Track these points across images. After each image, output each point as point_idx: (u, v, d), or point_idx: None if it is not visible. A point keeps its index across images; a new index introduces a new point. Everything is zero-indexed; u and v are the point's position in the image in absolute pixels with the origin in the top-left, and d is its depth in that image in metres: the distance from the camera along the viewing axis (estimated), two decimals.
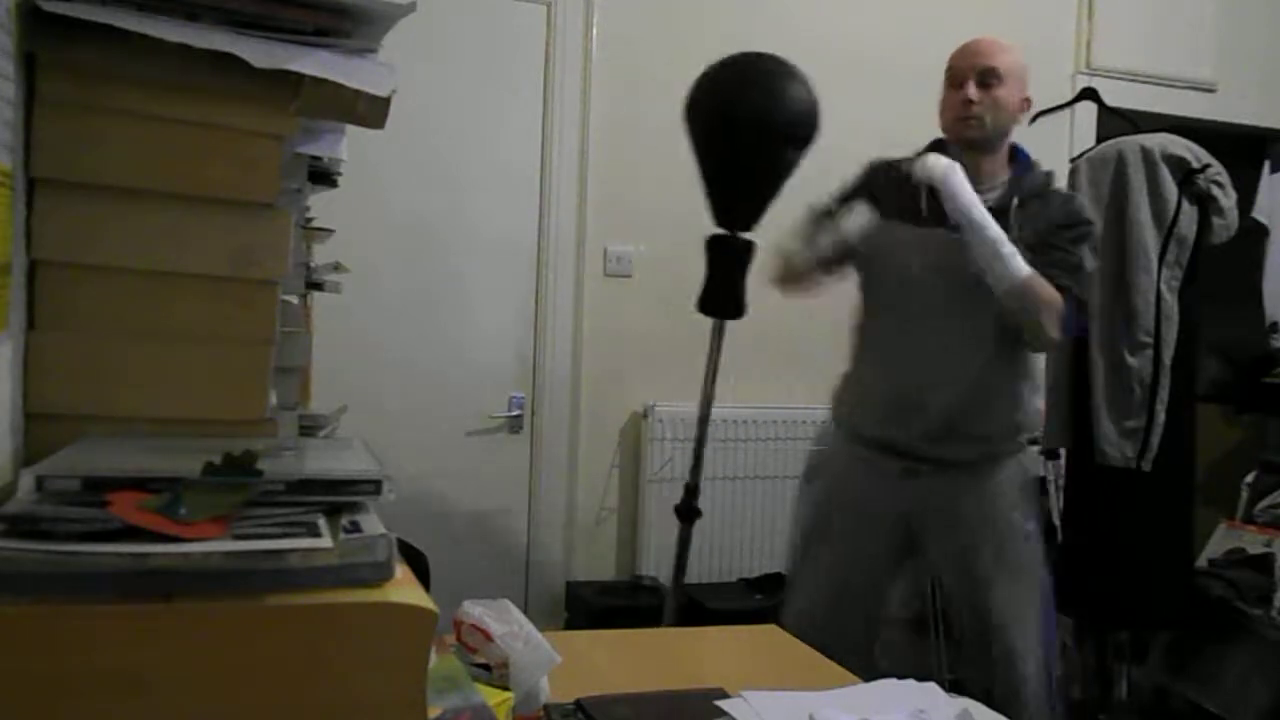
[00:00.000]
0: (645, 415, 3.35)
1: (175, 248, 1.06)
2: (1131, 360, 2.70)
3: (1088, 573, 2.85)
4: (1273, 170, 3.83)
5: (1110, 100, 3.16)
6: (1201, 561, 3.20)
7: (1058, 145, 3.61)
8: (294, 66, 1.06)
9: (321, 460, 1.01)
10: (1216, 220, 2.72)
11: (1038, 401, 2.25)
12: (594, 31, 3.32)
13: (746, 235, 2.30)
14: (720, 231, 2.28)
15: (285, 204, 1.14)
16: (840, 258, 2.24)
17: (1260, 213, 3.74)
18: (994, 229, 1.99)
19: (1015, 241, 2.02)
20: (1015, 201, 2.10)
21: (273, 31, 1.08)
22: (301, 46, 1.08)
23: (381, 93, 1.13)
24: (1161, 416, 2.69)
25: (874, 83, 3.50)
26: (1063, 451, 3.02)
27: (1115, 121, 3.08)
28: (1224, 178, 2.73)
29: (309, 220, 1.64)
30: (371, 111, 1.16)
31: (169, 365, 1.07)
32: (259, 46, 1.04)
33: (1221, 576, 3.11)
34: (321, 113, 1.20)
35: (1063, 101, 3.29)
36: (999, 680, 2.12)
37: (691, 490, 2.53)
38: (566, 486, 3.36)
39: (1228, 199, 2.73)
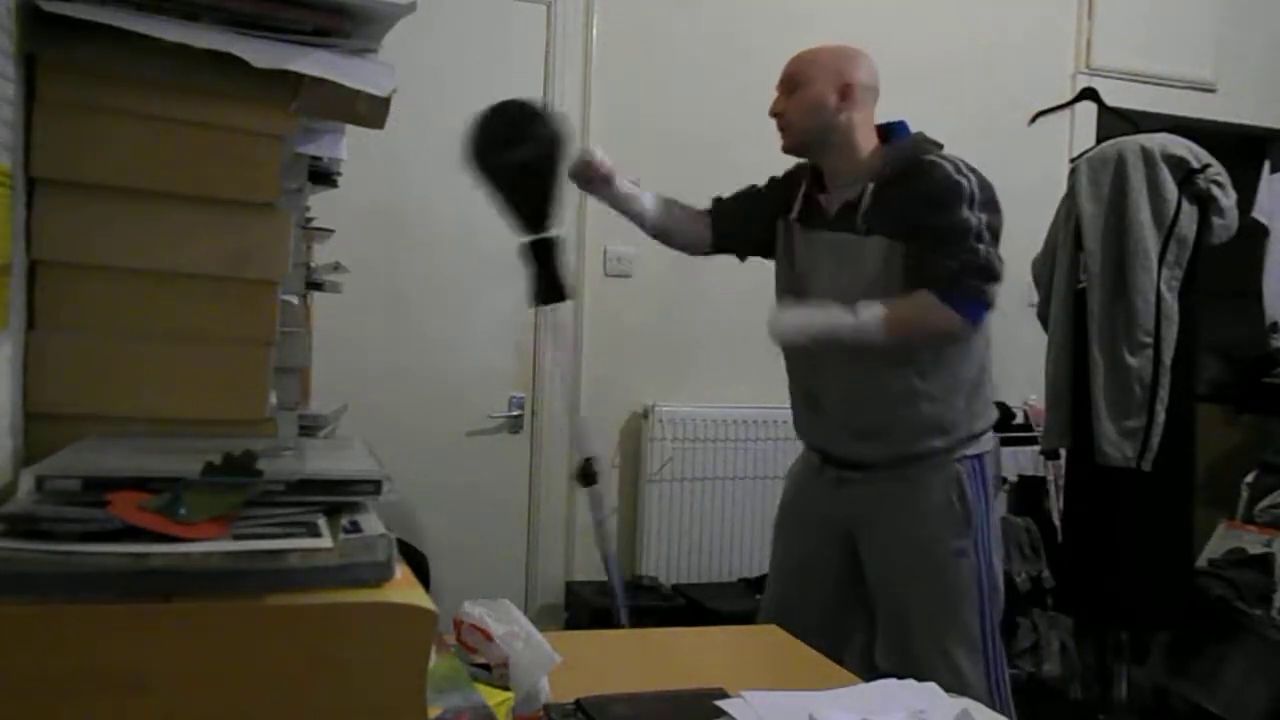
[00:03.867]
0: (645, 415, 3.35)
1: (175, 248, 1.07)
2: (1131, 360, 2.70)
3: (1088, 573, 2.84)
4: (1273, 170, 3.83)
5: (1110, 100, 3.15)
6: (1201, 561, 3.19)
7: (1058, 145, 3.62)
8: (294, 66, 1.06)
9: (321, 460, 1.01)
10: (1216, 220, 2.71)
11: (959, 401, 2.11)
12: (594, 31, 3.32)
13: (551, 233, 2.40)
14: (530, 237, 2.38)
15: (285, 204, 1.14)
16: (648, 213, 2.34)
17: (1260, 213, 3.73)
18: (829, 321, 2.01)
19: (870, 232, 2.04)
20: (868, 189, 2.07)
21: (272, 31, 1.08)
22: (301, 46, 1.08)
23: (381, 93, 1.13)
24: (1161, 416, 2.68)
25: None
26: (1063, 451, 3.02)
27: (1115, 121, 3.07)
28: (1224, 178, 2.72)
29: (309, 220, 1.64)
30: (371, 111, 1.16)
31: (169, 365, 1.07)
32: (259, 46, 1.04)
33: (1221, 576, 3.10)
34: (321, 113, 1.20)
35: (1063, 101, 3.29)
36: None
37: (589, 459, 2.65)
38: (566, 486, 3.36)
39: (1228, 199, 2.72)
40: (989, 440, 2.19)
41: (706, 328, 3.37)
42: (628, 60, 3.34)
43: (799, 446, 2.39)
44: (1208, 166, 2.70)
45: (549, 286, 2.30)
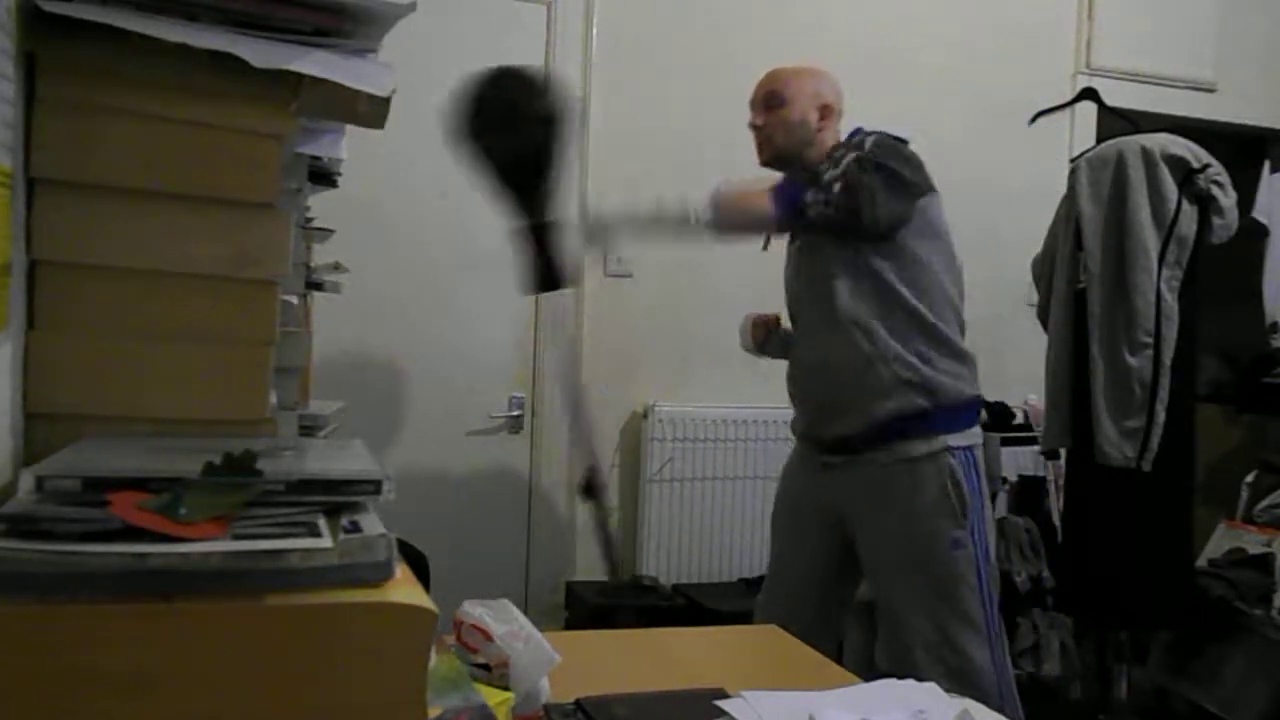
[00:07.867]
0: (645, 415, 3.35)
1: (175, 248, 1.06)
2: (1131, 360, 2.70)
3: (1088, 573, 2.84)
4: (1273, 170, 3.83)
5: (1110, 100, 3.15)
6: (1201, 561, 3.19)
7: (1058, 145, 3.62)
8: (294, 66, 1.06)
9: (321, 460, 1.01)
10: (1216, 220, 2.71)
11: (916, 360, 2.16)
12: (594, 31, 3.32)
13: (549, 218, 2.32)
14: (525, 222, 2.30)
15: (285, 204, 1.14)
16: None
17: (1260, 213, 3.74)
18: (650, 211, 2.17)
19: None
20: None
21: (272, 31, 1.07)
22: (301, 46, 1.08)
23: (381, 93, 1.13)
24: (1161, 416, 2.68)
25: (876, 80, 3.49)
26: (1063, 451, 3.02)
27: (1115, 121, 3.07)
28: (1224, 178, 2.72)
29: (309, 220, 1.64)
30: (371, 111, 1.16)
31: (169, 365, 1.07)
32: (259, 46, 1.04)
33: (1221, 576, 3.10)
34: (321, 113, 1.20)
35: (1063, 101, 3.29)
36: None
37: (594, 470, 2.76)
38: (566, 486, 3.36)
39: (1228, 199, 2.72)
40: (978, 433, 2.25)
41: (706, 328, 3.37)
42: (628, 60, 3.34)
43: None
44: (1208, 166, 2.70)
45: (545, 274, 2.31)
